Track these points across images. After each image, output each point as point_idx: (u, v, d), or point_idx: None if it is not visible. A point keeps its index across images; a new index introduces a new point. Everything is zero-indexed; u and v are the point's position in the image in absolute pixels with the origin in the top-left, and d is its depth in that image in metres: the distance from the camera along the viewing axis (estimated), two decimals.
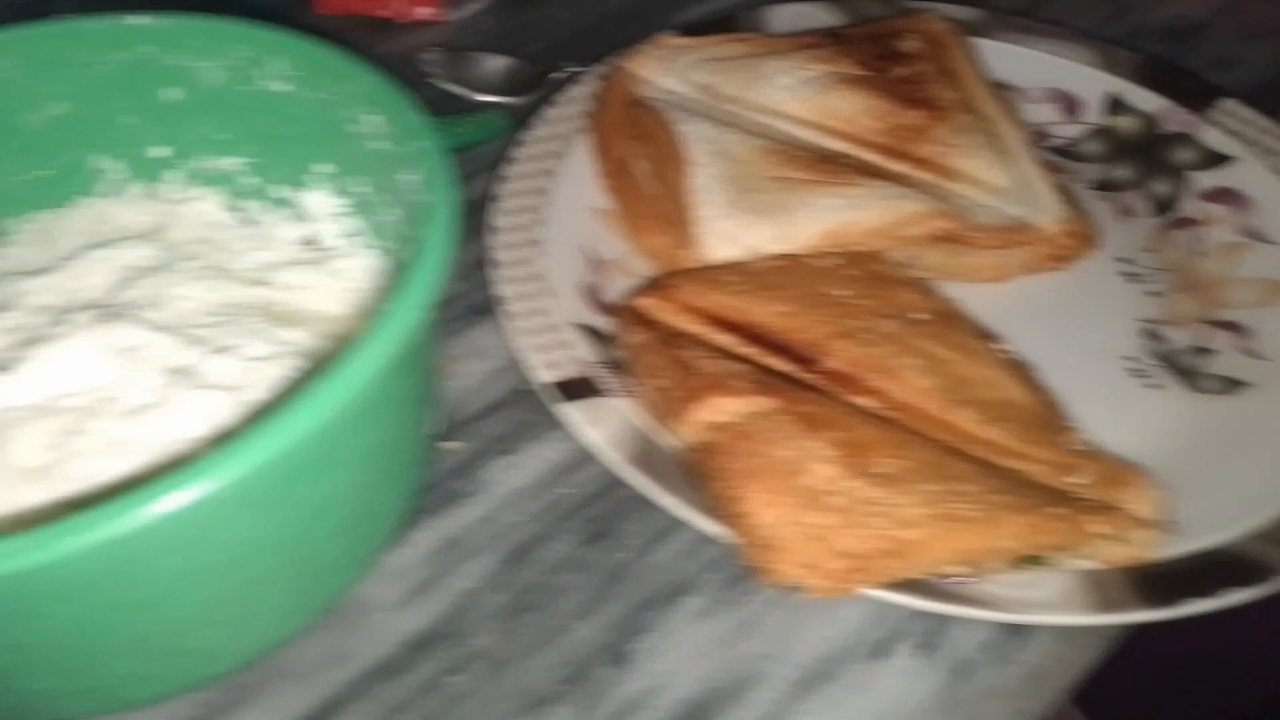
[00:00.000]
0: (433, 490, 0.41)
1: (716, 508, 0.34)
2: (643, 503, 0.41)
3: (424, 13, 0.64)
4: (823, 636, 0.37)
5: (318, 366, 0.39)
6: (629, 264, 0.48)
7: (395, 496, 0.37)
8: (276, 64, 0.41)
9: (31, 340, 0.36)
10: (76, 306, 0.40)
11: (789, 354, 0.40)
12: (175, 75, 0.42)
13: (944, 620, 0.37)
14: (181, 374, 0.35)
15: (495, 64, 0.61)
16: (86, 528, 0.24)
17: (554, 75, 0.60)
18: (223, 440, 0.33)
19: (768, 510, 0.32)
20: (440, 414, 0.44)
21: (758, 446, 0.33)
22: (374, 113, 0.39)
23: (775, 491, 0.32)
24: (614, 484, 0.42)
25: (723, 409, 0.35)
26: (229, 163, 0.45)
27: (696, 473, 0.35)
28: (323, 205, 0.44)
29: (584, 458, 0.42)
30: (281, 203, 0.45)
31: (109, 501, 0.24)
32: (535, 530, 0.40)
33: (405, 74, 0.39)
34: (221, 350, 0.37)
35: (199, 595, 0.30)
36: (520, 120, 0.55)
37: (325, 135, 0.42)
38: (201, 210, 0.45)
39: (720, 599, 0.38)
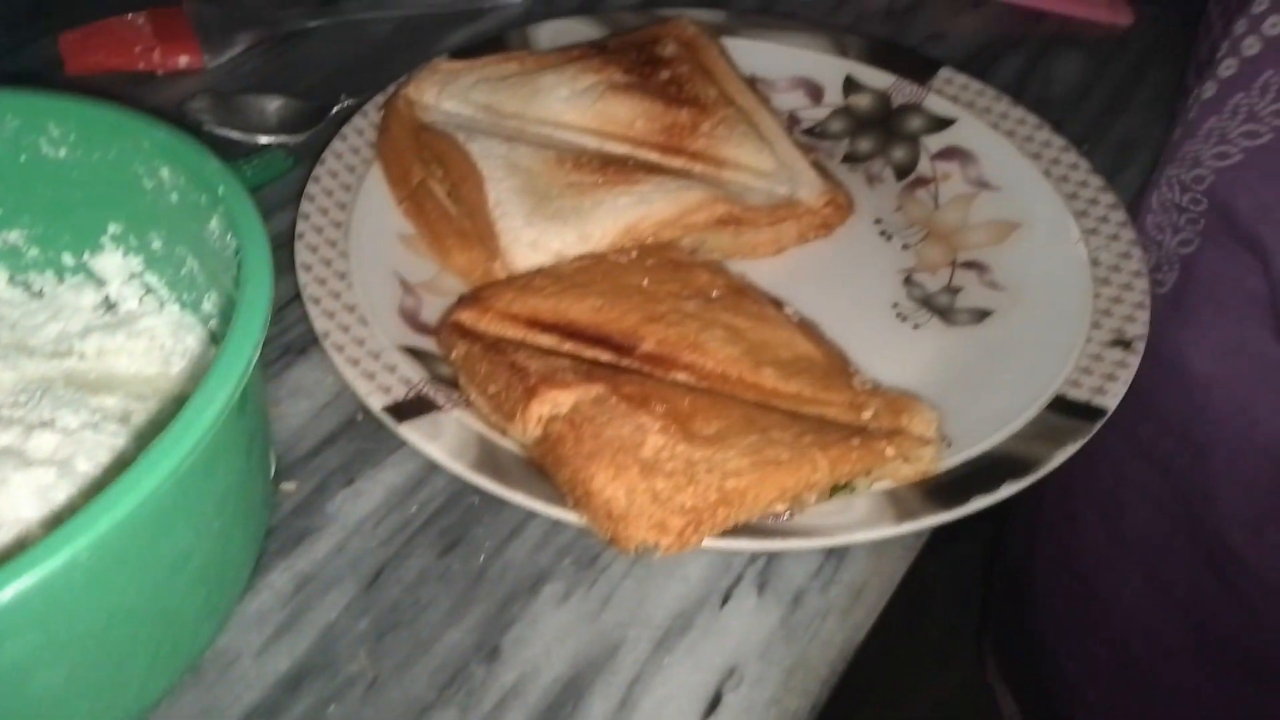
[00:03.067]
0: (279, 532, 0.42)
1: (566, 492, 0.36)
2: (491, 507, 0.43)
3: (182, 61, 0.63)
4: (675, 595, 0.41)
5: (143, 427, 0.38)
6: (443, 283, 0.50)
7: (244, 542, 0.37)
8: (50, 129, 0.40)
9: None
10: None
11: (607, 344, 0.43)
12: None
13: (776, 558, 0.41)
14: (5, 455, 0.34)
15: (268, 104, 0.61)
16: None
17: (334, 109, 0.60)
18: (59, 516, 0.33)
19: (614, 483, 0.35)
20: (270, 457, 0.45)
21: (596, 429, 0.36)
22: (164, 166, 0.39)
23: (619, 465, 0.35)
24: (459, 495, 0.43)
25: (557, 401, 0.38)
26: (10, 236, 0.43)
27: (542, 466, 0.38)
28: (116, 266, 0.43)
29: (426, 475, 0.44)
30: (72, 270, 0.44)
31: None
32: (389, 552, 0.41)
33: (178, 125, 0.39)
34: (40, 426, 0.36)
35: (64, 668, 0.29)
36: (303, 157, 0.55)
37: (109, 195, 0.41)
38: None
39: (577, 580, 0.41)
